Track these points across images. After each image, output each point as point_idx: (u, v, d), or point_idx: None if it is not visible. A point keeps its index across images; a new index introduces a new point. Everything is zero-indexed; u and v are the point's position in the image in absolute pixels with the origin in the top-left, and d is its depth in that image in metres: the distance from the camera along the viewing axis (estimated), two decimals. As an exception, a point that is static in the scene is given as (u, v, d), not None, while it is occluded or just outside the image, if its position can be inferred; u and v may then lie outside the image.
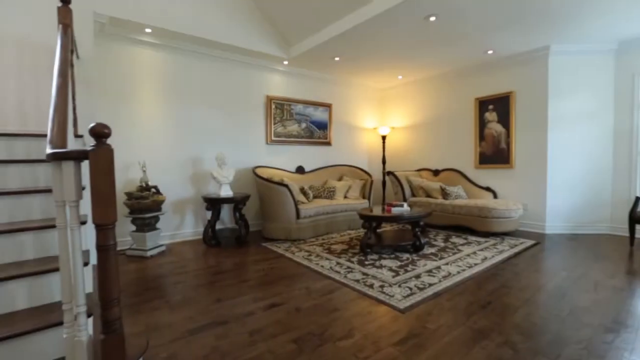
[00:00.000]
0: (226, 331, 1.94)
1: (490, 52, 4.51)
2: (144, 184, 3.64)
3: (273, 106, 5.08)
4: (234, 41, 4.24)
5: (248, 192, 4.60)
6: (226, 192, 4.10)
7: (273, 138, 5.11)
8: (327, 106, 5.77)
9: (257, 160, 4.98)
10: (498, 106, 4.88)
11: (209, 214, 4.14)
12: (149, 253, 3.50)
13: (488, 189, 4.92)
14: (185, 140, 4.30)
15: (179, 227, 4.28)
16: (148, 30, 3.76)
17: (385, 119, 6.65)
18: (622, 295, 2.39)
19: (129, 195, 3.51)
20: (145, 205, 3.47)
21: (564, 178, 4.41)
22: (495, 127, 4.93)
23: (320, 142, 5.71)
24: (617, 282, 2.66)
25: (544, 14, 3.41)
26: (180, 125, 4.25)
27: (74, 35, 2.43)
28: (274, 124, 5.12)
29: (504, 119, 4.81)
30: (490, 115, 4.97)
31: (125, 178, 3.86)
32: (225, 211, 4.60)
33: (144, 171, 3.71)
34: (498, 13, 3.39)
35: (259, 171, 4.58)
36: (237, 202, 4.08)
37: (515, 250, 3.59)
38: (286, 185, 4.14)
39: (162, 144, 4.12)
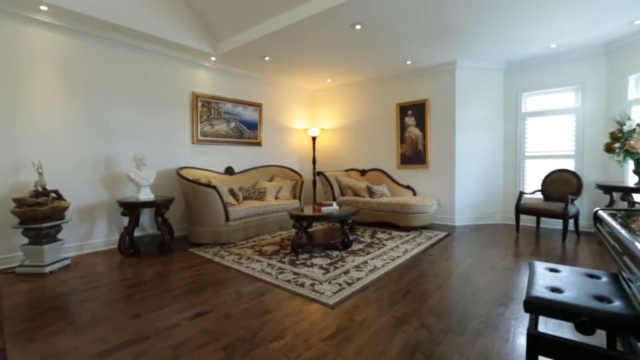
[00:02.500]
0: (146, 348, 1.77)
1: (409, 62, 4.95)
2: (39, 189, 3.11)
3: (199, 104, 4.80)
4: (155, 31, 3.90)
5: (172, 195, 4.26)
6: (146, 195, 3.75)
7: (200, 137, 4.83)
8: (258, 106, 5.67)
9: (182, 160, 4.65)
10: (416, 112, 5.38)
11: (125, 220, 3.73)
12: (48, 269, 3.00)
13: (408, 187, 5.39)
14: (97, 138, 3.80)
15: (88, 236, 3.77)
16: (43, 7, 3.22)
17: (316, 121, 6.81)
18: (510, 274, 2.85)
19: (19, 201, 2.97)
20: (43, 213, 2.97)
21: (468, 177, 5.07)
22: (413, 131, 5.42)
23: (251, 143, 5.59)
24: (507, 263, 3.16)
25: (452, 33, 3.87)
26: (89, 121, 3.74)
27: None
28: (201, 122, 4.84)
29: (421, 124, 5.32)
30: (410, 120, 5.46)
31: (13, 182, 3.24)
32: (146, 216, 4.20)
33: (40, 173, 3.17)
34: (414, 28, 3.74)
35: (184, 172, 4.29)
36: (159, 206, 3.75)
37: (431, 242, 4.01)
38: (214, 187, 3.95)
39: (65, 141, 3.57)
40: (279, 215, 4.71)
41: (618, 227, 1.42)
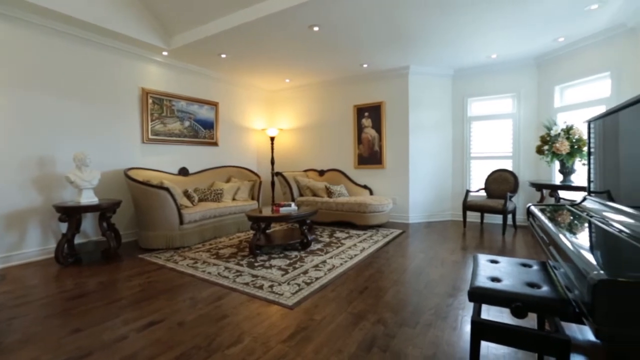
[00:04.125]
0: (89, 364, 1.64)
1: (365, 65, 5.10)
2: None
3: (150, 100, 4.53)
4: (99, 21, 3.60)
5: (119, 198, 3.98)
6: (88, 198, 3.45)
7: (150, 136, 4.55)
8: (214, 105, 5.48)
9: (131, 161, 4.35)
10: (372, 114, 5.56)
11: (64, 227, 3.40)
12: (-32, 284, 2.65)
13: (365, 186, 5.55)
14: (29, 135, 3.41)
15: (18, 245, 3.37)
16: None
17: (274, 121, 6.75)
18: (458, 267, 3.06)
19: None
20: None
21: (421, 176, 5.34)
22: (370, 132, 5.60)
23: (206, 142, 5.38)
24: (455, 257, 3.38)
25: (404, 39, 4.06)
26: (21, 116, 3.34)
27: None
28: (152, 120, 4.57)
29: (377, 125, 5.51)
30: (367, 122, 5.62)
31: None
32: (89, 221, 3.86)
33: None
34: (369, 33, 3.86)
35: (133, 173, 4.02)
36: (104, 210, 3.48)
37: (387, 239, 4.17)
38: (166, 189, 3.75)
39: (-13, 139, 3.17)
40: (237, 216, 4.59)
41: (545, 220, 1.59)
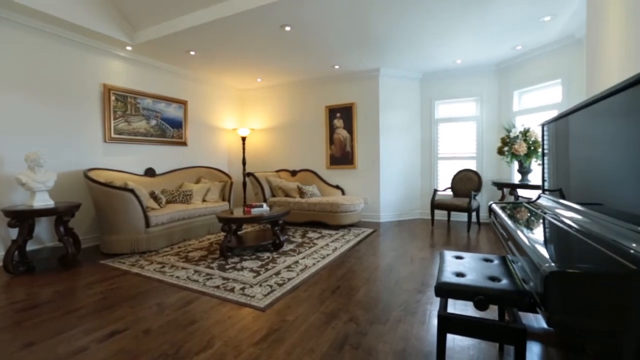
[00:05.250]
0: (43, 379, 1.53)
1: (337, 66, 5.15)
2: None
3: (113, 97, 4.30)
4: (54, 11, 3.36)
5: (78, 201, 3.74)
6: (43, 201, 3.22)
7: (113, 135, 4.32)
8: (182, 103, 5.30)
9: (92, 161, 4.10)
10: (344, 114, 5.62)
11: (14, 232, 3.14)
12: None
13: (337, 187, 5.60)
14: (-31, 134, 3.13)
15: (-40, 254, 3.08)
16: None
17: (246, 121, 6.65)
18: (427, 264, 3.17)
19: None
20: None
21: (391, 176, 5.48)
22: (342, 133, 5.66)
23: (175, 142, 5.20)
24: (424, 254, 3.50)
25: (374, 42, 4.14)
26: (-42, 113, 3.06)
27: None
28: (115, 119, 4.34)
29: (349, 126, 5.58)
30: (338, 122, 5.68)
31: None
32: (44, 226, 3.59)
33: None
34: (340, 35, 3.90)
35: (94, 174, 3.80)
36: (61, 214, 3.26)
37: (359, 238, 4.23)
38: (131, 190, 3.58)
39: None
40: (207, 218, 4.47)
41: (505, 217, 1.69)
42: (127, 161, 4.53)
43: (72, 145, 3.92)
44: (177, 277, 2.87)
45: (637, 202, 0.92)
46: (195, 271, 3.00)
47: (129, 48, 4.32)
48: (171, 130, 5.14)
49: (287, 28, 3.70)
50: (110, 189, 3.53)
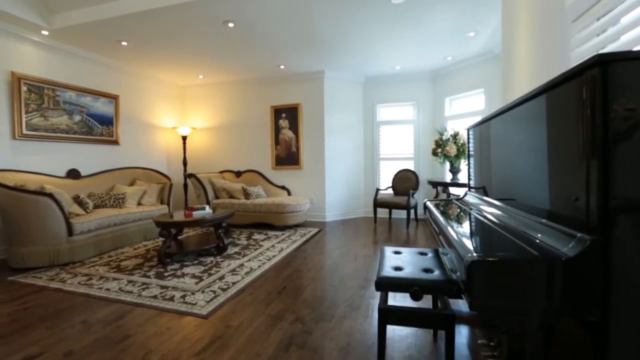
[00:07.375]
0: None
1: (282, 67, 5.13)
2: None
3: (25, 88, 3.75)
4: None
5: (-22, 208, 3.20)
6: None
7: (26, 132, 3.77)
8: (113, 98, 4.83)
9: (-4, 161, 3.54)
10: (289, 115, 5.62)
11: None
12: None
13: (283, 187, 5.58)
14: None
15: None
16: None
17: (186, 119, 6.29)
18: (370, 260, 3.31)
19: None
20: None
21: (336, 176, 5.62)
22: (287, 133, 5.65)
23: (104, 140, 4.71)
24: (367, 251, 3.65)
25: (318, 44, 4.21)
26: None
27: None
28: (28, 112, 3.79)
29: (294, 127, 5.60)
30: (284, 123, 5.66)
31: None
32: None
33: None
34: (285, 34, 3.89)
35: (1, 177, 3.28)
36: (-45, 224, 2.75)
37: (305, 238, 4.26)
38: (49, 194, 3.16)
39: None
40: (143, 223, 4.14)
41: (437, 213, 1.83)
42: (44, 161, 3.99)
43: (-29, 143, 3.34)
44: (107, 289, 2.61)
45: (540, 197, 1.07)
46: (129, 281, 2.76)
47: (45, 32, 3.81)
48: (99, 128, 4.65)
49: (231, 24, 3.59)
50: (21, 194, 3.08)
